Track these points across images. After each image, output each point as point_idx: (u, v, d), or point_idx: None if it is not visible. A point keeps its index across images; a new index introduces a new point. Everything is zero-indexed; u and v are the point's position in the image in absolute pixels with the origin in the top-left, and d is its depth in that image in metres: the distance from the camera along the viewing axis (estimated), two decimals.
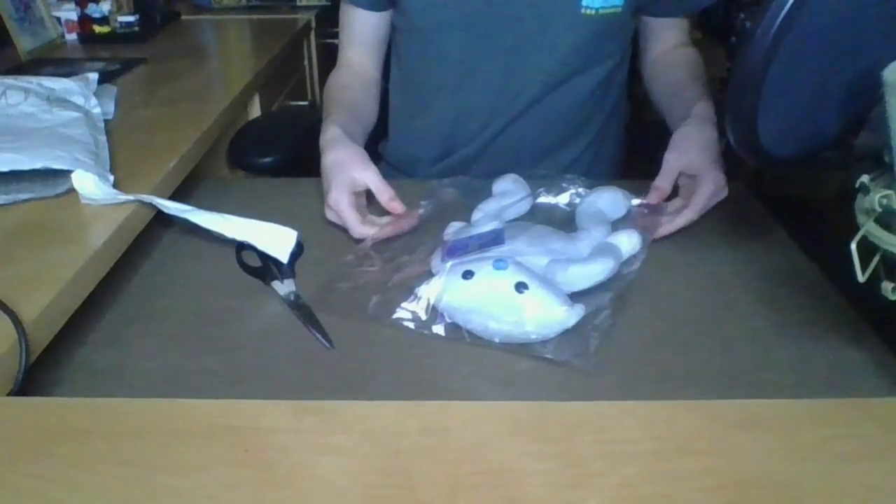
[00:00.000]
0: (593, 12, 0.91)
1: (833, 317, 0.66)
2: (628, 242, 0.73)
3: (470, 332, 0.63)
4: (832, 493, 0.41)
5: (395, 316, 0.65)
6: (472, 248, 0.68)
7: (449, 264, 0.65)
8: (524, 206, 0.83)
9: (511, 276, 0.62)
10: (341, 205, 0.78)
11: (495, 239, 0.69)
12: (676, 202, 0.81)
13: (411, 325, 0.64)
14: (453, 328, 0.64)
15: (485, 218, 0.77)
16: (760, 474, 0.42)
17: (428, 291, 0.65)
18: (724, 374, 0.59)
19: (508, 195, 0.82)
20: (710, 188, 0.78)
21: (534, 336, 0.61)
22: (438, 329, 0.64)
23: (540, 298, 0.62)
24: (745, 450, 0.44)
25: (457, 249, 0.68)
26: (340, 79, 1.02)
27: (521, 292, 0.61)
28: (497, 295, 0.62)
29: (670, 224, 0.79)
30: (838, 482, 0.42)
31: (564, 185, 0.86)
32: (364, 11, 0.99)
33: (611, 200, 0.81)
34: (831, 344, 0.62)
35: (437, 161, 1.05)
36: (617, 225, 0.78)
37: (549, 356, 0.60)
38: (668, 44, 1.03)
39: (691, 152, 0.80)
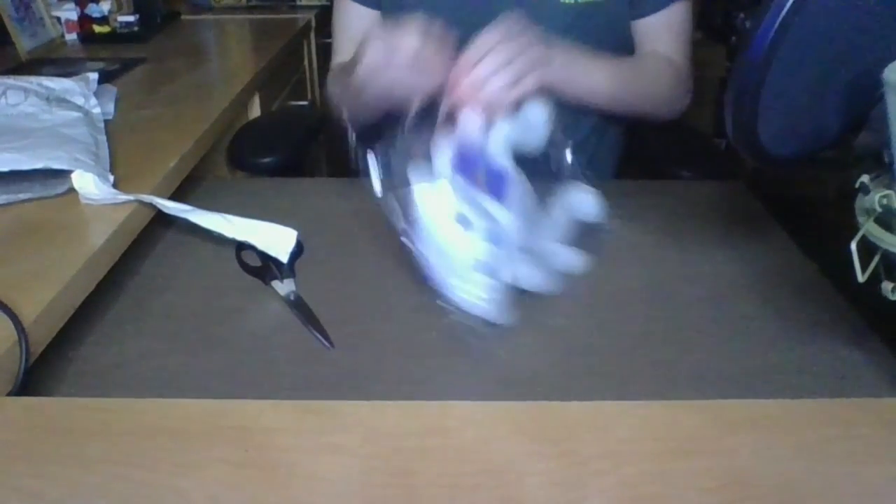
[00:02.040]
0: (572, 1, 0.89)
1: (833, 317, 0.66)
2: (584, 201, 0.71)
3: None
4: (832, 493, 0.41)
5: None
6: (479, 179, 0.65)
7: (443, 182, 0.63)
8: (539, 142, 0.77)
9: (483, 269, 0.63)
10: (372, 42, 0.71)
11: (500, 184, 0.66)
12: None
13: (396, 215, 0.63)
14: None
15: (501, 144, 0.72)
16: (760, 474, 0.42)
17: (422, 192, 0.63)
18: (724, 374, 0.59)
19: (531, 129, 0.76)
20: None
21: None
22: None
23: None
24: (745, 450, 0.44)
25: (467, 165, 0.66)
26: (339, 69, 0.99)
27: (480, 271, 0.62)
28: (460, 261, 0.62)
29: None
30: (838, 482, 0.42)
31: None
32: (364, 8, 0.98)
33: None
34: (831, 344, 0.62)
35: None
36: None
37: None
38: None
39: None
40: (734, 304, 0.69)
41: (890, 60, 0.49)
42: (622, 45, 1.00)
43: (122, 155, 0.86)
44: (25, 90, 0.92)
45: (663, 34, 0.98)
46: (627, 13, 0.97)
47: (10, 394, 0.52)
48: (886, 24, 0.55)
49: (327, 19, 1.06)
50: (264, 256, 0.72)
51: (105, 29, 1.64)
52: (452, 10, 0.92)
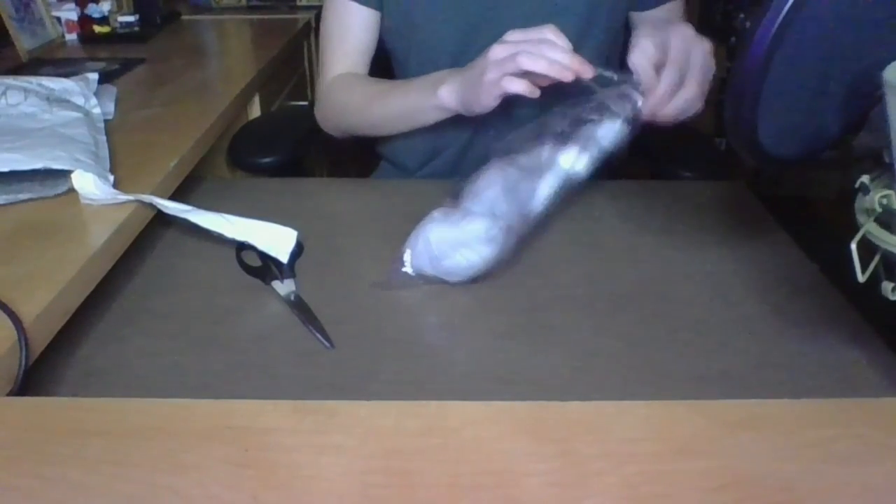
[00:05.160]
0: None
1: (833, 317, 0.66)
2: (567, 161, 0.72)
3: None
4: (832, 493, 0.41)
5: None
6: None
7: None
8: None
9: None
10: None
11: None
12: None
13: None
14: None
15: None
16: (760, 474, 0.42)
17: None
18: (724, 374, 0.59)
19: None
20: (679, 41, 0.72)
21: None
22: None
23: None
24: (745, 450, 0.44)
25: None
26: (351, 79, 0.99)
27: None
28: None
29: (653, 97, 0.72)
30: (838, 482, 0.42)
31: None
32: (365, 9, 0.97)
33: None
34: (831, 344, 0.62)
35: (428, 160, 1.05)
36: None
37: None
38: None
39: (649, 35, 0.74)
40: (734, 304, 0.69)
41: (890, 60, 0.49)
42: (619, 36, 1.00)
43: (122, 155, 0.86)
44: (25, 90, 0.92)
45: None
46: (625, 5, 0.98)
47: (10, 394, 0.52)
48: (886, 24, 0.55)
49: None
50: (264, 256, 0.72)
51: (105, 29, 1.64)
52: (457, 7, 0.92)
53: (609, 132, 0.74)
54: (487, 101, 0.76)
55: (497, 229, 0.68)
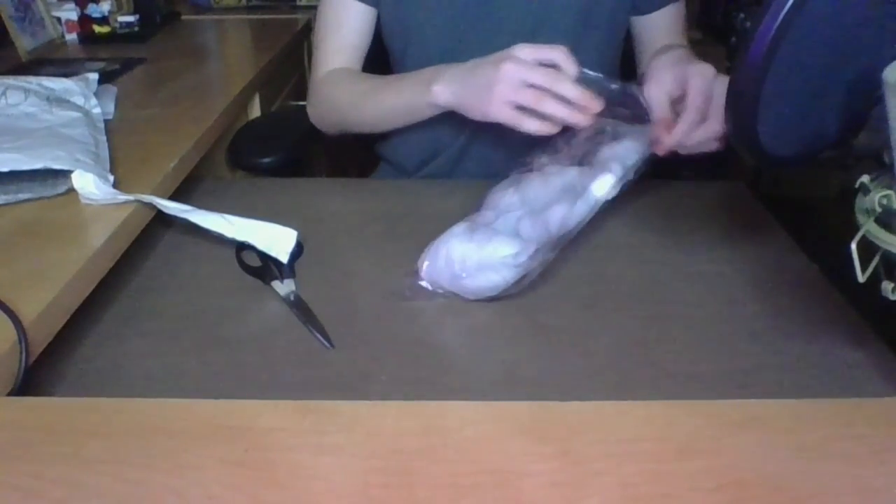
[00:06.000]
0: None
1: (833, 317, 0.66)
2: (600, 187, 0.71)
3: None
4: (832, 493, 0.41)
5: None
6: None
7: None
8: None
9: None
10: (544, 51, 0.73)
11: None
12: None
13: None
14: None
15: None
16: (760, 474, 0.42)
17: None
18: (724, 374, 0.59)
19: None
20: (699, 81, 0.73)
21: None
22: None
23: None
24: (745, 450, 0.44)
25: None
26: (344, 74, 0.99)
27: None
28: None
29: (675, 133, 0.73)
30: (838, 482, 0.42)
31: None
32: (361, 5, 0.97)
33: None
34: (831, 344, 0.62)
35: (427, 161, 1.05)
36: None
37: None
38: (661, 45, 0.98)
39: (668, 69, 0.75)
40: (734, 303, 0.69)
41: (890, 60, 0.49)
42: (619, 40, 1.00)
43: (122, 155, 0.86)
44: (25, 90, 0.92)
45: (668, 28, 0.99)
46: (627, 9, 0.98)
47: (10, 394, 0.52)
48: (886, 24, 0.55)
49: None
50: (264, 256, 0.72)
51: (105, 29, 1.64)
52: (454, 5, 0.92)
53: (635, 155, 0.74)
54: (495, 116, 0.75)
55: (526, 256, 0.66)
